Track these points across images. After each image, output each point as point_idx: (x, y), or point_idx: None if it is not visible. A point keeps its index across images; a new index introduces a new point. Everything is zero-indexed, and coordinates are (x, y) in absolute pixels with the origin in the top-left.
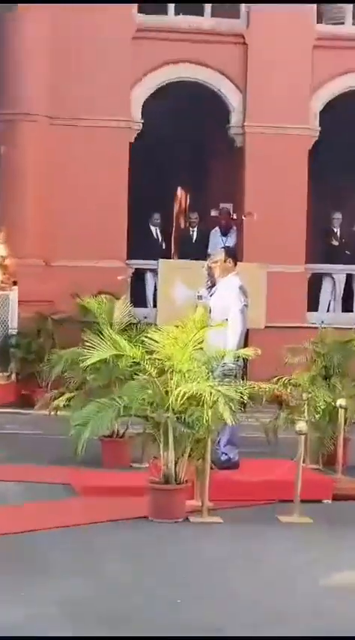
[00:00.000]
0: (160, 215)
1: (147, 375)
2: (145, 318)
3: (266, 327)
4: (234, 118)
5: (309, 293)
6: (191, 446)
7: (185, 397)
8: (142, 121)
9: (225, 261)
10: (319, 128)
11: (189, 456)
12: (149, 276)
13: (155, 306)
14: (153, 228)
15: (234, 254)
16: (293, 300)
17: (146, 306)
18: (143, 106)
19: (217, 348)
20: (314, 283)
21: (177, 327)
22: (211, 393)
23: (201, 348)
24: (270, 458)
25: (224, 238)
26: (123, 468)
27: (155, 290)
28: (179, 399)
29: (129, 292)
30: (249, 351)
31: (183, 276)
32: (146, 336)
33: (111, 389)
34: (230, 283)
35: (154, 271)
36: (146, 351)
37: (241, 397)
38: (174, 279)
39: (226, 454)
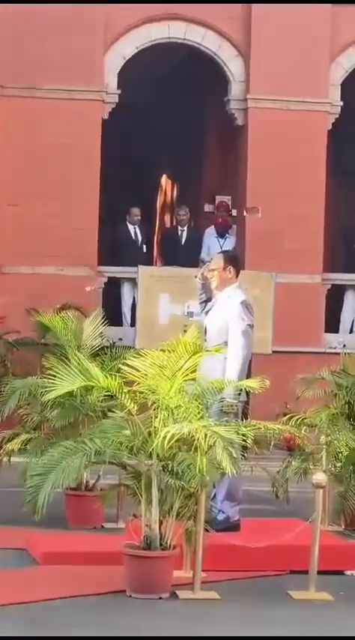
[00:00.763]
0: (141, 210)
1: (124, 411)
2: (121, 339)
3: (274, 352)
4: (235, 90)
5: (328, 309)
6: (180, 502)
7: (173, 440)
8: (118, 92)
9: (224, 269)
10: (340, 103)
11: (178, 514)
12: (126, 287)
13: (133, 324)
14: (131, 227)
15: (235, 260)
16: (307, 319)
17: (122, 325)
18: (119, 73)
19: (214, 378)
20: (334, 297)
21: (164, 351)
22: (206, 435)
23: (194, 379)
24: (279, 517)
25: (221, 240)
26: (94, 530)
27: (133, 305)
28: (165, 442)
29: (100, 307)
30: (253, 383)
31: (170, 288)
32: (124, 363)
33: (78, 429)
34: (230, 297)
35: (132, 281)
36: (124, 382)
37: (244, 440)
38: (157, 291)
39: (224, 512)
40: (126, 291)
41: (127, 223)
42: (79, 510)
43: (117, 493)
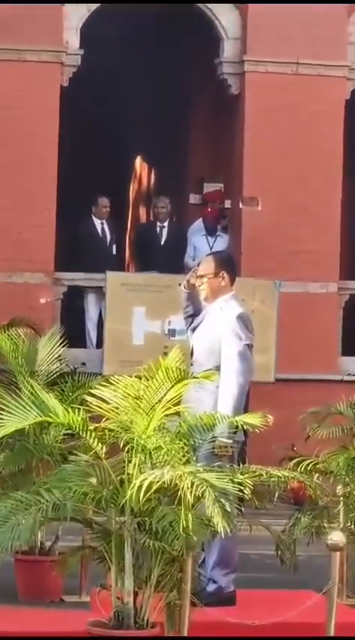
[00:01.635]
0: (110, 201)
1: (90, 454)
2: (84, 364)
3: (277, 380)
4: (228, 50)
5: (345, 326)
6: (160, 568)
7: (151, 490)
8: (80, 53)
9: (215, 275)
10: None
11: (157, 584)
12: (91, 298)
13: (100, 346)
14: (97, 222)
15: (229, 264)
16: (319, 338)
17: (85, 346)
18: (82, 29)
19: (203, 412)
20: (354, 311)
21: (140, 378)
22: (193, 484)
23: (177, 414)
24: (285, 588)
25: (210, 239)
26: (51, 604)
27: (101, 321)
28: (142, 493)
29: (58, 323)
30: (253, 419)
31: (146, 299)
32: (89, 393)
33: (31, 477)
34: (223, 310)
35: (99, 290)
36: (89, 417)
37: (240, 491)
38: (130, 303)
39: (215, 582)
40: (90, 304)
41: (93, 217)
42: (31, 580)
43: (80, 558)
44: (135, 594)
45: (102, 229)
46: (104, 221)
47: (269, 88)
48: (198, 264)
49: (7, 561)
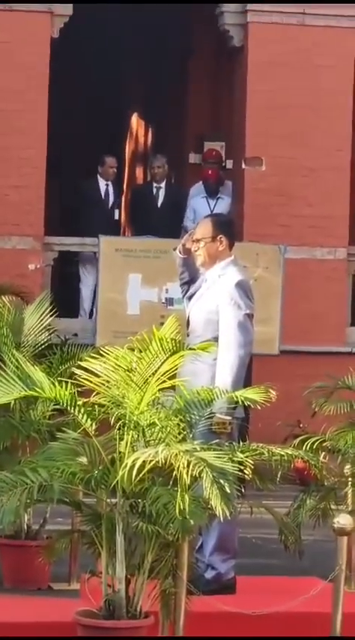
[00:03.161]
0: (116, 160)
1: (79, 431)
2: (76, 335)
3: (281, 352)
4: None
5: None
6: (154, 554)
7: (145, 470)
8: (72, 3)
9: (213, 238)
10: None
11: (151, 570)
12: (88, 264)
13: (92, 315)
14: (102, 184)
15: (228, 227)
16: (327, 308)
17: (77, 316)
18: None
19: (200, 386)
20: None
21: (133, 350)
22: (189, 464)
23: (173, 387)
24: (289, 575)
25: (211, 201)
26: (38, 592)
27: (95, 289)
28: (134, 472)
29: (49, 291)
30: (254, 394)
31: (142, 266)
32: (78, 366)
33: (17, 455)
34: (221, 277)
35: (91, 257)
36: (78, 392)
37: (240, 471)
38: (125, 270)
39: (214, 568)
40: (86, 271)
41: (98, 177)
42: (17, 566)
43: (68, 543)
44: (128, 581)
45: (106, 191)
46: (110, 182)
47: (274, 40)
48: (191, 231)
49: None
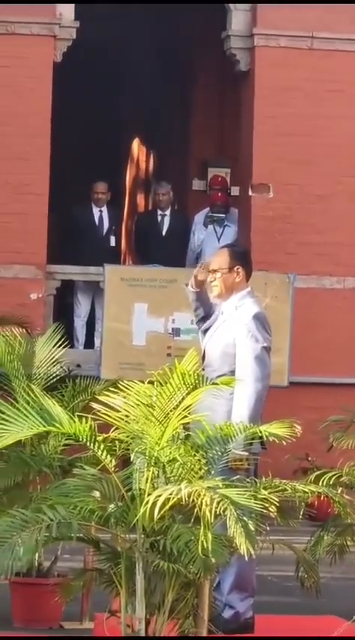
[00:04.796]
0: (108, 187)
1: (97, 468)
2: (79, 366)
3: (291, 383)
4: (237, 23)
5: None
6: (175, 593)
7: (166, 508)
8: (76, 26)
9: (230, 269)
10: None
11: (172, 610)
12: (81, 293)
13: (88, 346)
14: (95, 210)
15: (245, 258)
16: (336, 338)
17: (73, 346)
18: (77, 0)
19: (218, 421)
20: None
21: (153, 384)
22: (213, 501)
23: (188, 423)
24: (306, 614)
25: (218, 229)
26: (49, 631)
27: (90, 318)
28: (156, 510)
29: (58, 322)
30: (278, 429)
31: (148, 295)
32: (94, 399)
33: (27, 491)
34: (239, 309)
35: (95, 285)
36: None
37: (265, 508)
38: (131, 299)
39: (232, 607)
40: (81, 300)
41: (92, 205)
42: (29, 604)
43: (82, 581)
44: (147, 621)
45: (100, 217)
46: (102, 209)
47: (282, 65)
48: (202, 263)
49: (2, 586)
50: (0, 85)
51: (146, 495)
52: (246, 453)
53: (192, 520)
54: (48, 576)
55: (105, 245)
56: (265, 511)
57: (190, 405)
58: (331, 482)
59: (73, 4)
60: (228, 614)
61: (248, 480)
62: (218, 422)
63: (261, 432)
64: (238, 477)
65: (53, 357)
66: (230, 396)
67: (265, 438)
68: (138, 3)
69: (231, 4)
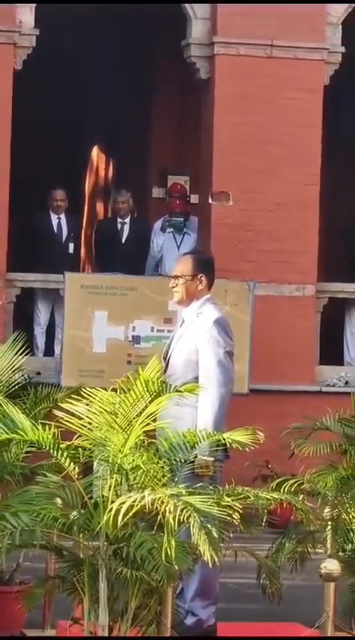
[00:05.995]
0: (66, 194)
1: (60, 475)
2: (39, 374)
3: (251, 390)
4: (196, 31)
5: (324, 332)
6: (138, 601)
7: (129, 515)
8: (36, 33)
9: (194, 277)
10: (342, 49)
11: (135, 617)
12: (41, 300)
13: (48, 353)
14: (54, 217)
15: (209, 266)
16: (296, 345)
17: (34, 353)
18: (37, 8)
19: (183, 429)
20: (333, 316)
21: (116, 391)
22: (176, 508)
23: (153, 430)
24: (267, 620)
25: (178, 237)
26: (11, 638)
27: (50, 326)
28: (120, 518)
29: (19, 330)
30: (241, 436)
31: (108, 302)
32: (57, 407)
33: None
34: (200, 316)
35: (54, 293)
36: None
37: (229, 516)
38: (91, 307)
39: (194, 614)
40: (41, 307)
41: (50, 212)
42: None
43: (45, 589)
44: (110, 629)
45: (59, 225)
46: (61, 216)
47: (241, 73)
48: (174, 265)
49: None
50: None
51: (109, 503)
52: (212, 459)
53: (156, 527)
54: (10, 584)
55: (64, 252)
56: (228, 518)
57: (153, 413)
58: (293, 490)
59: (34, 13)
60: (190, 621)
61: (211, 487)
62: (185, 430)
63: (224, 439)
64: (201, 484)
65: (14, 365)
66: (197, 404)
67: (228, 445)
68: (100, 3)
69: (190, 11)
